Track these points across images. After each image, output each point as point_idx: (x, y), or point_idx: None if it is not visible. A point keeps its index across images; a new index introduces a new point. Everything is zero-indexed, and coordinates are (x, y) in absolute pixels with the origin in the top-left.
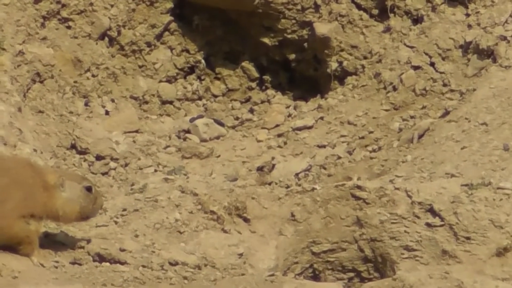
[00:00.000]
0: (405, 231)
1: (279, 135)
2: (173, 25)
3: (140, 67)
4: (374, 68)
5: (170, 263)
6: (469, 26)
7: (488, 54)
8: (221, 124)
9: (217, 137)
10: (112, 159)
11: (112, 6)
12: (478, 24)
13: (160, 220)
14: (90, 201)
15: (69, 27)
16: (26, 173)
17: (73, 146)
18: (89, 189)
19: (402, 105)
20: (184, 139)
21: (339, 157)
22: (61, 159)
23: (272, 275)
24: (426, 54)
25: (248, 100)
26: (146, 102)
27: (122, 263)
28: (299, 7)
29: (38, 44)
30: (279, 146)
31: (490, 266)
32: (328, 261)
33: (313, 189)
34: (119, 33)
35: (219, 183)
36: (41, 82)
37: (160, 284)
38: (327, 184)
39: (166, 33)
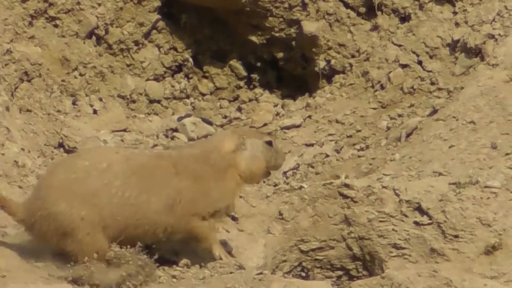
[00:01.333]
0: (393, 230)
1: (267, 134)
2: (161, 24)
3: (127, 65)
4: (362, 67)
5: (158, 262)
6: (457, 24)
7: (476, 52)
8: (209, 122)
9: (205, 136)
10: None
11: (99, 4)
12: (466, 22)
13: None
14: (272, 155)
15: (56, 26)
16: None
17: (60, 145)
18: (270, 143)
19: (390, 103)
20: (172, 138)
21: (327, 156)
22: (49, 158)
23: (261, 273)
24: (414, 52)
25: (236, 98)
26: (134, 101)
27: None
28: (286, 5)
29: (25, 43)
30: None
31: (478, 265)
32: (317, 259)
33: (301, 187)
34: (106, 31)
35: None
36: (29, 81)
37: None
38: (315, 182)
39: (154, 31)
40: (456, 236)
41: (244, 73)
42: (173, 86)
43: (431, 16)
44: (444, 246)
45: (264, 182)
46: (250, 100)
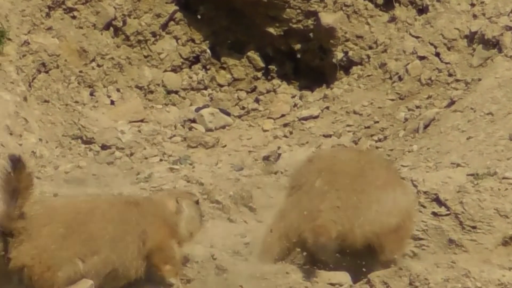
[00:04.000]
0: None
1: (285, 125)
2: (179, 15)
3: (145, 57)
4: (380, 58)
5: None
6: (474, 16)
7: (494, 44)
8: (227, 113)
9: (223, 127)
10: (117, 148)
11: None
12: (483, 14)
13: None
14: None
15: (74, 17)
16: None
17: (78, 136)
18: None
19: (407, 95)
20: (190, 129)
21: (345, 147)
22: (67, 148)
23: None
24: (432, 44)
25: (253, 89)
26: (151, 92)
27: None
28: None
29: (43, 34)
30: (285, 136)
31: (496, 255)
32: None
33: None
34: (124, 23)
35: (225, 173)
36: (47, 72)
37: None
38: None
39: (172, 22)
40: (474, 227)
41: (262, 64)
42: (190, 77)
43: (448, 8)
44: (462, 237)
45: (282, 173)
46: (268, 91)
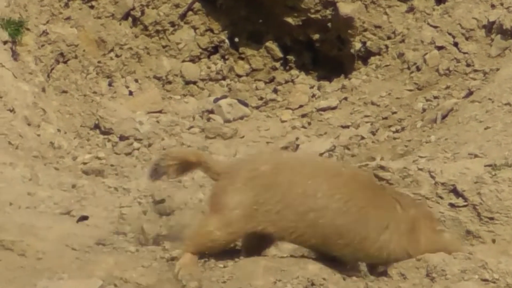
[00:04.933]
0: None
1: (303, 116)
2: (197, 5)
3: (163, 47)
4: (398, 48)
5: None
6: (493, 6)
7: None
8: (245, 104)
9: (241, 118)
10: (135, 139)
11: None
12: (502, 4)
13: (184, 201)
14: None
15: (92, 7)
16: None
17: (96, 126)
18: None
19: (425, 85)
20: (208, 120)
21: (363, 138)
22: (85, 139)
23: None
24: (450, 34)
25: (272, 80)
26: (170, 82)
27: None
28: None
29: (61, 24)
30: (303, 127)
31: None
32: None
33: None
34: (142, 13)
35: None
36: (65, 62)
37: None
38: (351, 164)
39: (190, 12)
40: (492, 218)
41: (280, 55)
42: (209, 68)
43: None
44: (479, 228)
45: None
46: (286, 81)
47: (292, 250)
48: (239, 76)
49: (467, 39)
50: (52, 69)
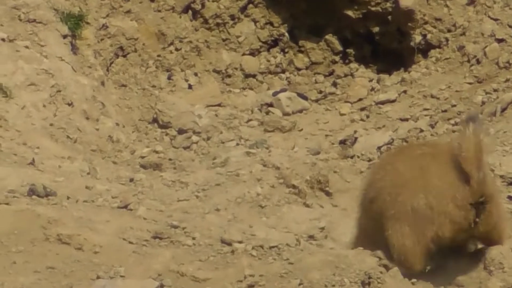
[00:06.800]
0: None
1: (362, 109)
2: None
3: (223, 40)
4: (458, 41)
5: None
6: None
7: None
8: (304, 97)
9: (300, 111)
10: (194, 132)
11: None
12: None
13: (242, 194)
14: None
15: (152, 0)
16: None
17: (155, 120)
18: None
19: (485, 78)
20: (267, 113)
21: (422, 131)
22: (143, 133)
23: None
24: (510, 26)
25: (331, 73)
26: (229, 76)
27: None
28: None
29: (121, 17)
30: (362, 120)
31: None
32: None
33: None
34: (203, 5)
35: (301, 157)
36: (124, 56)
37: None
38: None
39: (250, 5)
40: None
41: (340, 48)
42: (268, 61)
43: None
44: None
45: (359, 157)
46: (346, 75)
47: (349, 243)
48: (298, 69)
49: None
50: (112, 63)
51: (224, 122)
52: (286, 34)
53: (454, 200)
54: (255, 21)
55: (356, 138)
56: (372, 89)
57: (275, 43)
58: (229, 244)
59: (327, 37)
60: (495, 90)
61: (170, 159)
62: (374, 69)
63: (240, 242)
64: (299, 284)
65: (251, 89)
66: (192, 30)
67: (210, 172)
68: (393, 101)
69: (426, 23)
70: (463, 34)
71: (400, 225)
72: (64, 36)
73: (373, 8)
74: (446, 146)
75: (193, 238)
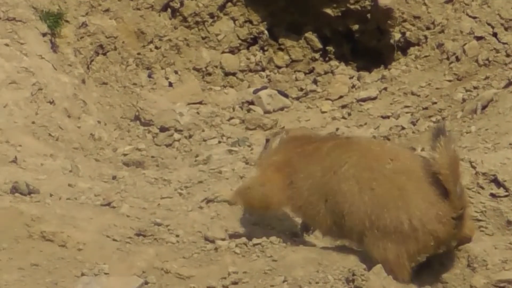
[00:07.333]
0: (470, 202)
1: (343, 106)
2: None
3: (203, 38)
4: (437, 39)
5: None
6: None
7: None
8: (285, 95)
9: (281, 109)
10: (176, 130)
11: None
12: None
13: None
14: None
15: None
16: None
17: (137, 118)
18: None
19: (465, 75)
20: (248, 111)
21: (403, 128)
22: (125, 130)
23: None
24: (489, 24)
25: (311, 71)
26: (209, 74)
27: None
28: None
29: (101, 16)
30: (343, 117)
31: None
32: None
33: None
34: (181, 4)
35: None
36: (104, 54)
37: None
38: None
39: (229, 4)
40: None
41: (320, 46)
42: (248, 59)
43: None
44: None
45: None
46: (326, 72)
47: (333, 240)
48: (278, 67)
49: (506, 29)
50: (92, 61)
51: (205, 120)
52: (266, 32)
53: (438, 218)
54: (234, 19)
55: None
56: (353, 86)
57: (254, 41)
58: (213, 242)
59: (306, 35)
60: (475, 88)
61: (152, 157)
62: (354, 67)
63: (223, 239)
64: (283, 281)
65: (231, 87)
66: (172, 28)
67: (193, 170)
68: (374, 98)
69: (405, 21)
70: (442, 32)
71: (383, 242)
72: (44, 34)
73: (352, 6)
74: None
75: (177, 236)
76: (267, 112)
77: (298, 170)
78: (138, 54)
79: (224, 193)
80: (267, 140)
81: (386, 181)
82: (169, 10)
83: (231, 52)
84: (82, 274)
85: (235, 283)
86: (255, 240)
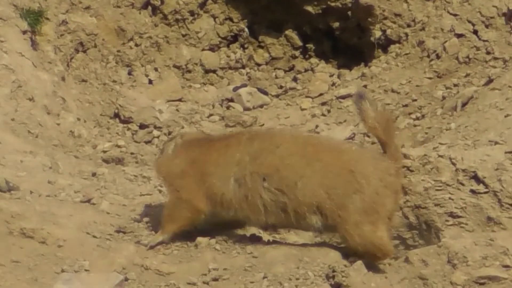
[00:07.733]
0: (450, 198)
1: (323, 104)
2: None
3: (183, 36)
4: (418, 36)
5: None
6: None
7: None
8: (265, 92)
9: (261, 106)
10: (155, 127)
11: None
12: None
13: None
14: None
15: None
16: None
17: (116, 115)
18: None
19: (445, 73)
20: (228, 108)
21: None
22: (105, 128)
23: None
24: (469, 22)
25: (291, 68)
26: (189, 71)
27: None
28: None
29: (81, 13)
30: (323, 115)
31: None
32: None
33: None
34: (162, 1)
35: None
36: (84, 51)
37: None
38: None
39: (209, 1)
40: None
41: (300, 43)
42: (228, 56)
43: None
44: (500, 214)
45: None
46: (306, 70)
47: (313, 237)
48: (258, 64)
49: (487, 26)
50: (72, 58)
51: (185, 117)
52: (246, 29)
53: (388, 171)
54: (214, 17)
55: (317, 133)
56: (333, 84)
57: (234, 38)
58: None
59: (287, 32)
60: (455, 85)
61: (132, 153)
62: (335, 64)
63: (203, 236)
64: (264, 278)
65: (211, 84)
66: (152, 26)
67: None
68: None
69: (385, 18)
70: (423, 29)
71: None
72: (24, 32)
73: (332, 4)
74: None
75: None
76: (246, 109)
77: (213, 164)
78: (118, 51)
79: (155, 237)
80: (163, 145)
81: (331, 152)
82: (149, 7)
83: (211, 49)
84: (63, 271)
85: (215, 279)
86: (235, 237)
